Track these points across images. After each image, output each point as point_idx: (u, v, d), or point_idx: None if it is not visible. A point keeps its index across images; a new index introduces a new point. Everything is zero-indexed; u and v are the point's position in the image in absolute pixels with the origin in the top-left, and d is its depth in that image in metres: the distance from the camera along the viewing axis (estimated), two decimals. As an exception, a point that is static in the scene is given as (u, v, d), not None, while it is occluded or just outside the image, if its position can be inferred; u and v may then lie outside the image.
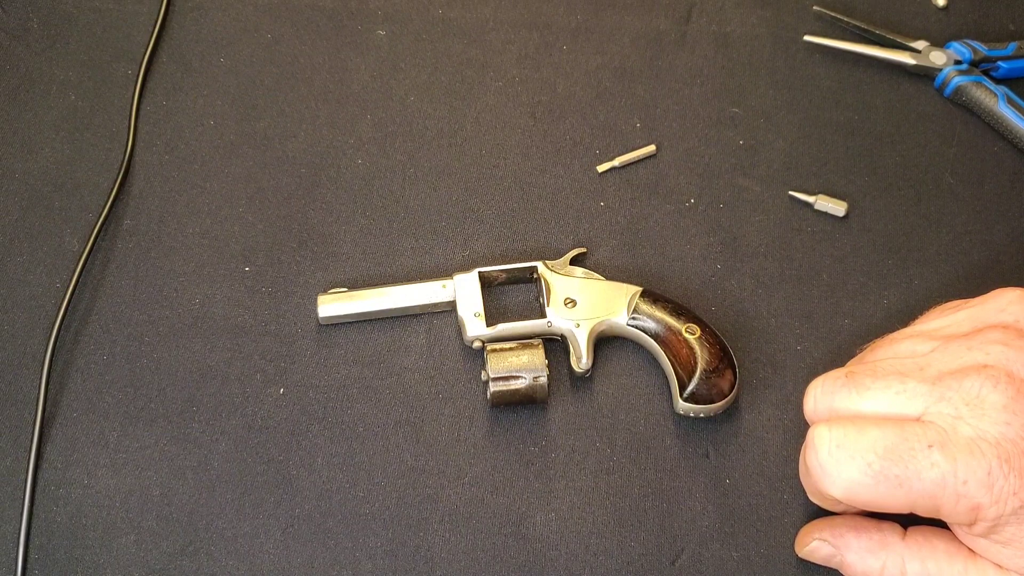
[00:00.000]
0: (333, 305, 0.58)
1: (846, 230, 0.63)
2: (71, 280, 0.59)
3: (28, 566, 0.52)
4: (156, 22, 0.68)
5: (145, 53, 0.67)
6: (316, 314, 0.59)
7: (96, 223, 0.61)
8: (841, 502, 0.48)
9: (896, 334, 0.51)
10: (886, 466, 0.45)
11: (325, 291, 0.59)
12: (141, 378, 0.57)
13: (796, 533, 0.53)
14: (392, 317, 0.59)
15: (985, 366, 0.46)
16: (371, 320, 0.59)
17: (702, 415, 0.56)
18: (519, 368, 0.55)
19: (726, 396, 0.55)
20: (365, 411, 0.57)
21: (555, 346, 0.58)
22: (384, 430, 0.56)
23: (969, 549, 0.48)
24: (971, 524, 0.45)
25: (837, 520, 0.52)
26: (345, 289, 0.59)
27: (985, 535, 0.46)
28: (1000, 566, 0.47)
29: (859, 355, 0.52)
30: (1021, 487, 0.44)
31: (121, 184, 0.63)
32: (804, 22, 0.71)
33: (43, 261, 0.60)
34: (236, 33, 0.69)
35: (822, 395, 0.49)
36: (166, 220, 0.62)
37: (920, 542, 0.49)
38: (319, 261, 0.61)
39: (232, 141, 0.65)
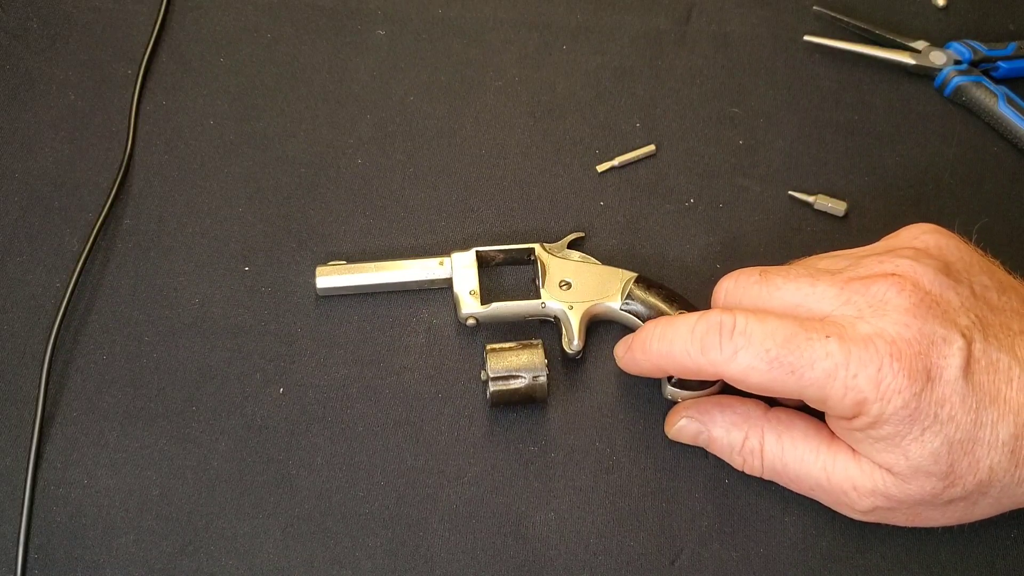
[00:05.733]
0: (331, 277, 0.59)
1: (846, 230, 0.63)
2: (71, 280, 0.59)
3: (28, 566, 0.52)
4: (156, 22, 0.68)
5: (145, 53, 0.67)
6: (315, 287, 0.59)
7: (96, 223, 0.61)
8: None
9: (815, 256, 0.54)
10: (782, 354, 0.47)
11: (324, 263, 0.59)
12: (141, 378, 0.57)
13: (796, 533, 0.54)
14: (389, 292, 0.60)
15: (894, 274, 0.48)
16: (369, 303, 0.59)
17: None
18: (518, 368, 0.55)
19: (713, 383, 0.55)
20: (365, 411, 0.57)
21: (548, 327, 0.58)
22: (384, 430, 0.56)
23: (829, 433, 0.50)
24: (853, 418, 0.47)
25: (703, 399, 0.54)
26: (344, 262, 0.59)
27: (863, 429, 0.47)
28: (861, 455, 0.49)
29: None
30: (907, 387, 0.45)
31: (121, 184, 0.63)
32: (804, 22, 0.71)
33: (43, 261, 0.60)
34: (236, 33, 0.69)
35: (733, 289, 0.51)
36: (166, 220, 0.62)
37: (781, 418, 0.52)
38: (319, 261, 0.61)
39: (232, 141, 0.65)
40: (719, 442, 0.53)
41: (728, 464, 0.55)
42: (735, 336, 0.48)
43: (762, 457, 0.52)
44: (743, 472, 0.53)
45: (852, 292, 0.48)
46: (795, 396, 0.48)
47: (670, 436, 0.55)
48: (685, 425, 0.54)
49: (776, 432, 0.52)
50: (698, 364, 0.49)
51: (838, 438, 0.50)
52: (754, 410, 0.53)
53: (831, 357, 0.46)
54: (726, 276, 0.52)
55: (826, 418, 0.50)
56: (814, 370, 0.46)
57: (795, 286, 0.49)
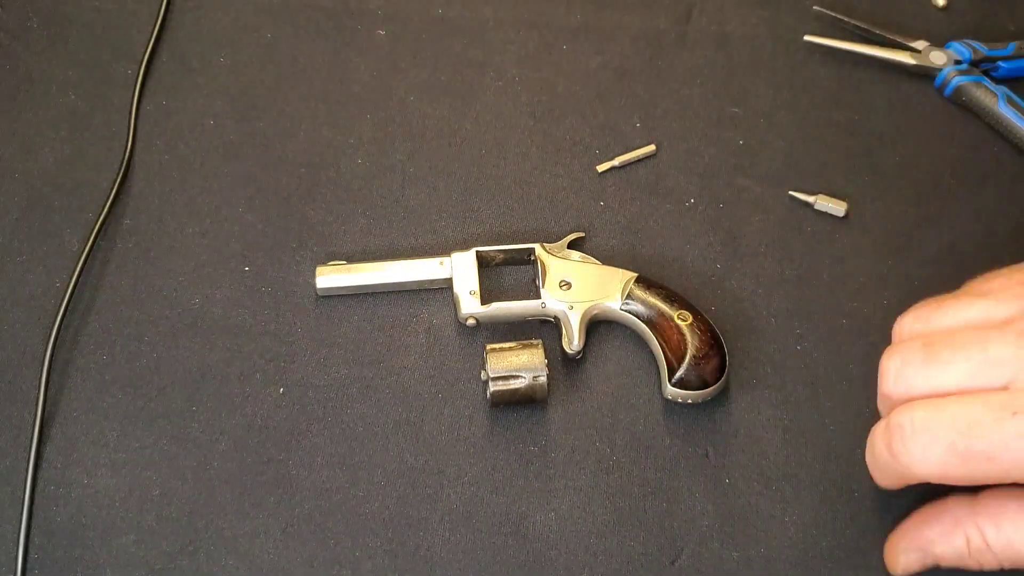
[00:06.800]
0: (331, 277, 0.59)
1: (846, 230, 0.63)
2: (71, 279, 0.59)
3: (28, 566, 0.52)
4: (156, 22, 0.68)
5: (145, 53, 0.67)
6: (315, 287, 0.59)
7: (96, 223, 0.60)
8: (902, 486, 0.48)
9: (957, 296, 0.49)
10: (971, 443, 0.44)
11: (324, 263, 0.60)
12: (141, 378, 0.57)
13: (796, 533, 0.53)
14: (389, 292, 0.60)
15: None
16: (369, 303, 0.59)
17: (690, 401, 0.56)
18: (519, 368, 0.55)
19: (715, 383, 0.55)
20: (365, 411, 0.57)
21: (549, 328, 0.59)
22: (384, 430, 0.56)
23: None
24: None
25: (905, 525, 0.51)
26: (344, 262, 0.59)
27: None
28: None
29: (916, 312, 0.50)
30: None
31: (121, 184, 0.63)
32: (804, 22, 0.71)
33: (43, 261, 0.60)
34: (236, 33, 0.69)
35: (901, 370, 0.47)
36: (166, 220, 0.62)
37: (989, 504, 0.48)
38: (319, 261, 0.61)
39: (232, 141, 0.65)
40: (946, 557, 0.49)
41: (728, 464, 0.55)
42: (917, 435, 0.45)
43: (992, 551, 0.47)
44: (980, 571, 0.49)
45: None
46: (1004, 479, 0.45)
47: None
48: (907, 560, 0.50)
49: (992, 520, 0.47)
50: (893, 468, 0.47)
51: None
52: (959, 508, 0.48)
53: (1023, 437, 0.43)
54: (887, 354, 0.48)
55: None
56: (1010, 452, 0.43)
57: (964, 355, 0.45)
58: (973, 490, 0.48)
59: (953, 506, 0.49)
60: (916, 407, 0.46)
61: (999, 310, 0.46)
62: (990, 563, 0.48)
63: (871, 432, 0.49)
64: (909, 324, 0.49)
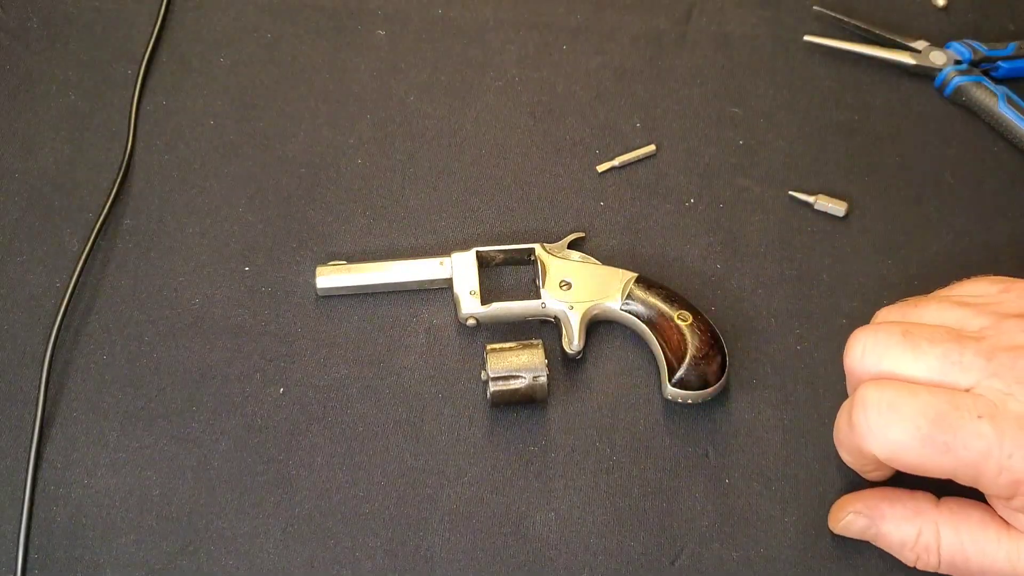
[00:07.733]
0: (331, 277, 0.59)
1: (846, 230, 0.63)
2: (71, 280, 0.59)
3: (28, 566, 0.52)
4: (156, 22, 0.68)
5: (145, 53, 0.67)
6: (315, 287, 0.59)
7: (96, 223, 0.61)
8: (873, 469, 0.49)
9: (937, 296, 0.51)
10: (934, 432, 0.45)
11: (324, 263, 0.60)
12: (141, 378, 0.57)
13: (796, 533, 0.53)
14: (389, 292, 0.60)
15: None
16: (369, 303, 0.59)
17: (690, 401, 0.56)
18: (519, 368, 0.55)
19: (715, 383, 0.55)
20: (365, 411, 0.57)
21: (549, 328, 0.59)
22: (384, 430, 0.56)
23: (1003, 520, 0.48)
24: (1010, 498, 0.46)
25: (869, 492, 0.52)
26: (344, 262, 0.59)
27: (1023, 510, 0.46)
28: None
29: (898, 305, 0.51)
30: None
31: (121, 184, 0.63)
32: (804, 22, 0.71)
33: (43, 261, 0.60)
34: (236, 33, 0.69)
35: (873, 347, 0.48)
36: (166, 220, 0.62)
37: (954, 510, 0.49)
38: (319, 261, 0.61)
39: (232, 141, 0.65)
40: (888, 537, 0.50)
41: (728, 464, 0.55)
42: (883, 411, 0.46)
43: (939, 553, 0.49)
44: (915, 568, 0.50)
45: (999, 365, 0.45)
46: (946, 475, 0.46)
47: (836, 531, 0.52)
48: (852, 520, 0.51)
49: (952, 525, 0.49)
50: (850, 440, 0.48)
51: (1012, 525, 0.48)
52: (924, 503, 0.50)
53: (984, 438, 0.44)
54: (862, 330, 0.49)
55: (986, 498, 0.48)
56: (967, 450, 0.44)
57: (941, 351, 0.46)
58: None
59: (920, 498, 0.50)
60: (887, 386, 0.47)
61: (975, 321, 0.48)
62: (928, 562, 0.49)
63: (841, 407, 0.51)
64: (885, 315, 0.51)
